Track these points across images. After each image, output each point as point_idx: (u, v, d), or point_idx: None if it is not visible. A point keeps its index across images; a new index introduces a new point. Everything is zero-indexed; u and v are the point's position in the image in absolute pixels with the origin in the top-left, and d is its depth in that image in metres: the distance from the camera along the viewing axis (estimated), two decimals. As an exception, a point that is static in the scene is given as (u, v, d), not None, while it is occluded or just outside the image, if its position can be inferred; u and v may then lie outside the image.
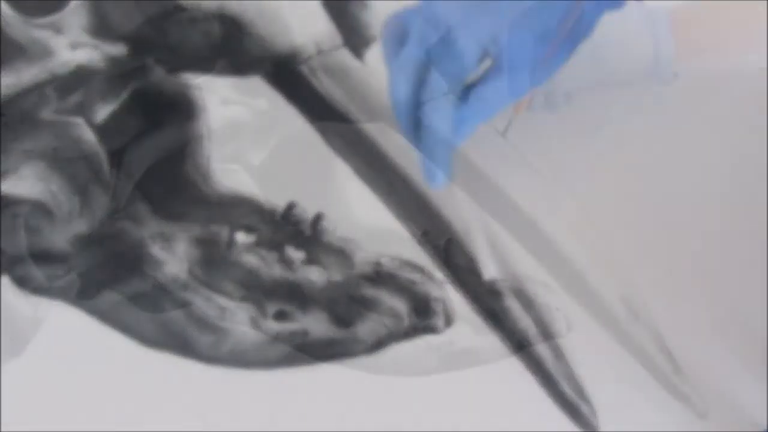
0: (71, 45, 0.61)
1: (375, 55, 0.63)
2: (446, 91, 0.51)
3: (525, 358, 0.56)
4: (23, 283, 0.57)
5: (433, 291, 0.56)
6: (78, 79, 0.60)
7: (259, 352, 0.55)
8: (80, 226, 0.57)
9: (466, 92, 0.52)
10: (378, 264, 0.57)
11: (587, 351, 0.58)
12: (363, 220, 0.60)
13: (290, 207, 0.58)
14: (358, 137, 0.61)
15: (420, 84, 0.52)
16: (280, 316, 0.55)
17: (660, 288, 0.60)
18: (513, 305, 0.58)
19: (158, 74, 0.62)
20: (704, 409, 0.56)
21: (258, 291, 0.56)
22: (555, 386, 0.55)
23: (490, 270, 0.59)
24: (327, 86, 0.62)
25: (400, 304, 0.56)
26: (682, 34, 0.61)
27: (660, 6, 0.62)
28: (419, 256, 0.58)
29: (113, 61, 0.61)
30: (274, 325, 0.55)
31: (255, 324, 0.55)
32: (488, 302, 0.57)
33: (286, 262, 0.57)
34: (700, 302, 0.59)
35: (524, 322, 0.57)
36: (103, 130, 0.60)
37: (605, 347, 0.58)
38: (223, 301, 0.55)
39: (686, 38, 0.61)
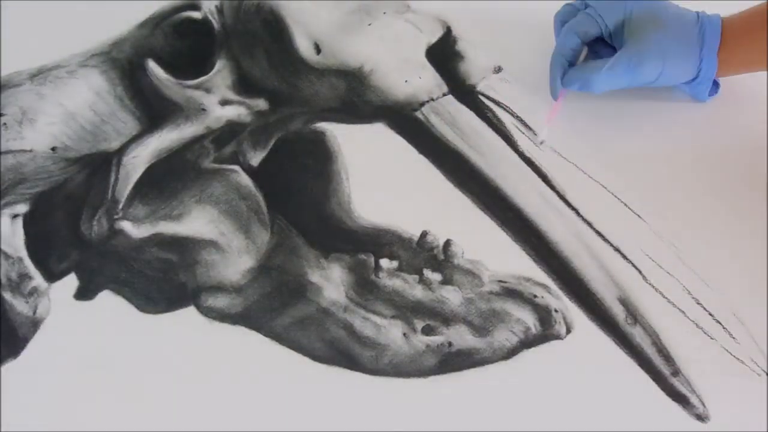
0: (220, 102, 0.69)
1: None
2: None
3: (637, 359, 0.62)
4: (206, 311, 0.65)
5: (553, 303, 0.65)
6: (230, 131, 0.68)
7: (414, 363, 0.63)
8: (248, 261, 0.66)
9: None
10: (503, 281, 0.66)
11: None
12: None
13: (423, 235, 0.67)
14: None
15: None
16: (427, 330, 0.64)
17: (660, 289, 0.64)
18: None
19: (297, 124, 0.70)
20: (704, 412, 0.60)
21: (405, 309, 0.65)
22: (665, 381, 0.62)
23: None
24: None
25: (526, 316, 0.65)
26: (728, 52, 0.66)
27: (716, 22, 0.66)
28: (538, 273, 0.66)
29: (258, 114, 0.69)
30: (423, 339, 0.64)
31: (407, 338, 0.64)
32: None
33: (426, 283, 0.65)
34: (700, 303, 0.63)
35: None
36: (256, 175, 0.68)
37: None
38: (377, 319, 0.64)
39: (731, 56, 0.66)
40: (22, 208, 0.65)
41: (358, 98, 0.69)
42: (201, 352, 0.63)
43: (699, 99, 0.70)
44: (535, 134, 0.69)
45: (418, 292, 0.64)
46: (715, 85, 0.69)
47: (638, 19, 0.66)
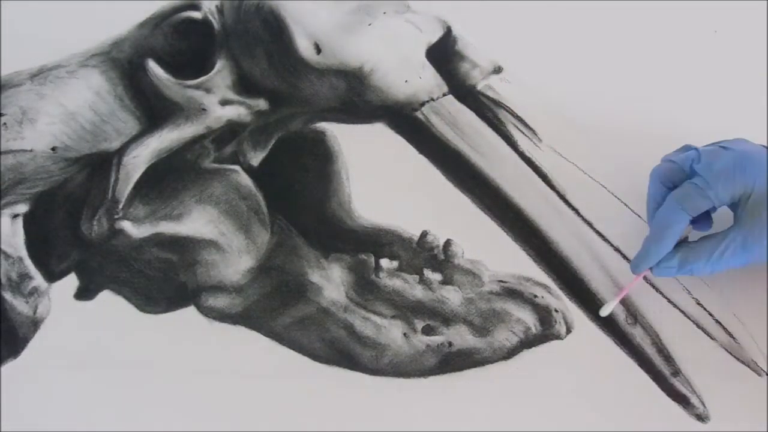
0: (221, 102, 0.69)
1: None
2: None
3: (637, 359, 0.63)
4: (206, 311, 0.65)
5: (553, 303, 0.65)
6: (230, 131, 0.68)
7: (414, 363, 0.63)
8: (248, 261, 0.66)
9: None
10: (503, 281, 0.66)
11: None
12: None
13: (423, 235, 0.67)
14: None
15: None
16: (428, 330, 0.64)
17: (660, 290, 0.64)
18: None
19: (297, 124, 0.70)
20: (704, 412, 0.61)
21: (405, 309, 0.65)
22: (665, 381, 0.62)
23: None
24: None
25: (526, 315, 0.65)
26: None
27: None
28: (538, 273, 0.66)
29: (258, 114, 0.69)
30: (423, 339, 0.64)
31: (407, 338, 0.64)
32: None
33: (426, 283, 0.65)
34: (700, 303, 0.63)
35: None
36: (256, 175, 0.68)
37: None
38: (377, 319, 0.64)
39: None
40: (23, 207, 0.65)
41: (358, 98, 0.69)
42: (201, 351, 0.63)
43: None
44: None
45: (418, 292, 0.64)
46: None
47: (759, 197, 0.57)
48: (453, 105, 0.70)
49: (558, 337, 0.63)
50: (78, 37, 0.71)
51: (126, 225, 0.64)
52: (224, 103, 0.67)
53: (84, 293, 0.65)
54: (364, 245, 0.66)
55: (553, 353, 0.63)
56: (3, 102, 0.66)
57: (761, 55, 0.70)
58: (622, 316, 0.63)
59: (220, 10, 0.69)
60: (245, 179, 0.67)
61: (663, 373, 0.61)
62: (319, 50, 0.68)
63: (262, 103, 0.68)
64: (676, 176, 0.60)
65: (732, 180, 0.57)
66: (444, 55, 0.72)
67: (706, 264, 0.58)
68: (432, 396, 0.62)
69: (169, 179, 0.66)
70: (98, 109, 0.67)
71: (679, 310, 0.63)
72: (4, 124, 0.65)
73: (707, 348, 0.62)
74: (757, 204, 0.57)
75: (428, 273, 0.64)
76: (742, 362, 0.61)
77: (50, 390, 0.62)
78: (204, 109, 0.67)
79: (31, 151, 0.65)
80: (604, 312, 0.62)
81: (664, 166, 0.61)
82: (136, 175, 0.65)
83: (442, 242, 0.66)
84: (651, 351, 0.62)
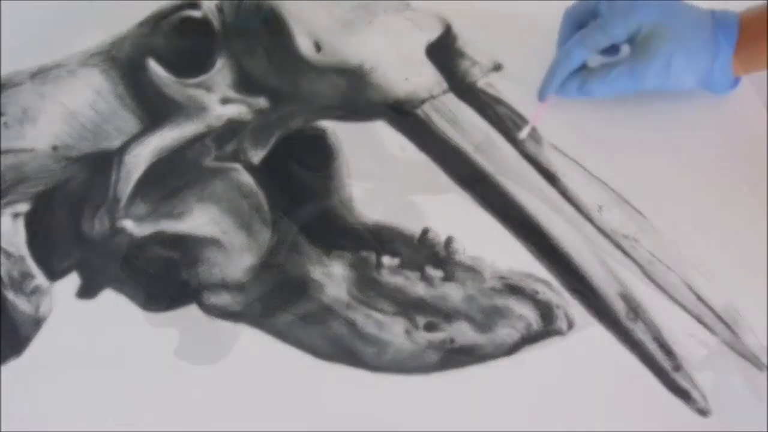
0: (221, 101, 0.69)
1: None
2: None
3: (639, 355, 0.62)
4: (208, 309, 0.65)
5: (555, 299, 0.65)
6: (231, 130, 0.69)
7: (416, 360, 0.63)
8: (250, 259, 0.66)
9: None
10: (505, 278, 0.66)
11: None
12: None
13: (425, 232, 0.67)
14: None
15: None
16: (430, 327, 0.64)
17: (661, 285, 0.64)
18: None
19: (298, 122, 0.71)
20: (706, 407, 0.61)
21: (407, 306, 0.65)
22: (667, 376, 0.62)
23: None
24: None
25: (528, 312, 0.65)
26: (745, 50, 0.64)
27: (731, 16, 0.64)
28: (540, 269, 0.66)
29: (259, 112, 0.70)
30: (425, 335, 0.64)
31: (409, 335, 0.64)
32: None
33: (428, 280, 0.66)
34: (701, 298, 0.64)
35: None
36: (257, 173, 0.68)
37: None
38: (379, 316, 0.64)
39: (749, 52, 0.64)
40: (24, 206, 0.66)
41: (358, 96, 0.69)
42: (203, 349, 0.63)
43: (717, 93, 0.69)
44: (518, 131, 0.69)
45: (420, 289, 0.64)
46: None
47: (648, 32, 0.65)
48: (453, 102, 0.70)
49: (559, 332, 0.63)
50: (78, 37, 0.71)
51: (127, 223, 0.64)
52: (225, 101, 0.68)
53: (86, 292, 0.65)
54: (366, 242, 0.66)
55: (555, 349, 0.63)
56: (4, 101, 0.66)
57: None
58: (623, 312, 0.63)
59: (220, 9, 0.70)
60: (246, 177, 0.67)
61: (664, 368, 0.61)
62: (319, 48, 0.68)
63: (262, 102, 0.69)
64: (585, 17, 0.68)
65: (626, 18, 0.65)
66: (444, 52, 0.72)
67: (600, 84, 0.67)
68: (434, 392, 0.61)
69: (170, 178, 0.66)
70: (99, 108, 0.67)
71: (680, 305, 0.63)
72: (5, 123, 0.66)
73: (708, 343, 0.62)
74: (645, 38, 0.65)
75: (430, 270, 0.65)
76: (743, 357, 0.61)
77: (51, 389, 0.61)
78: (204, 108, 0.67)
79: (32, 150, 0.65)
80: (521, 135, 0.69)
81: (575, 6, 0.69)
82: (137, 174, 0.65)
83: (443, 239, 0.66)
84: (652, 346, 0.62)
